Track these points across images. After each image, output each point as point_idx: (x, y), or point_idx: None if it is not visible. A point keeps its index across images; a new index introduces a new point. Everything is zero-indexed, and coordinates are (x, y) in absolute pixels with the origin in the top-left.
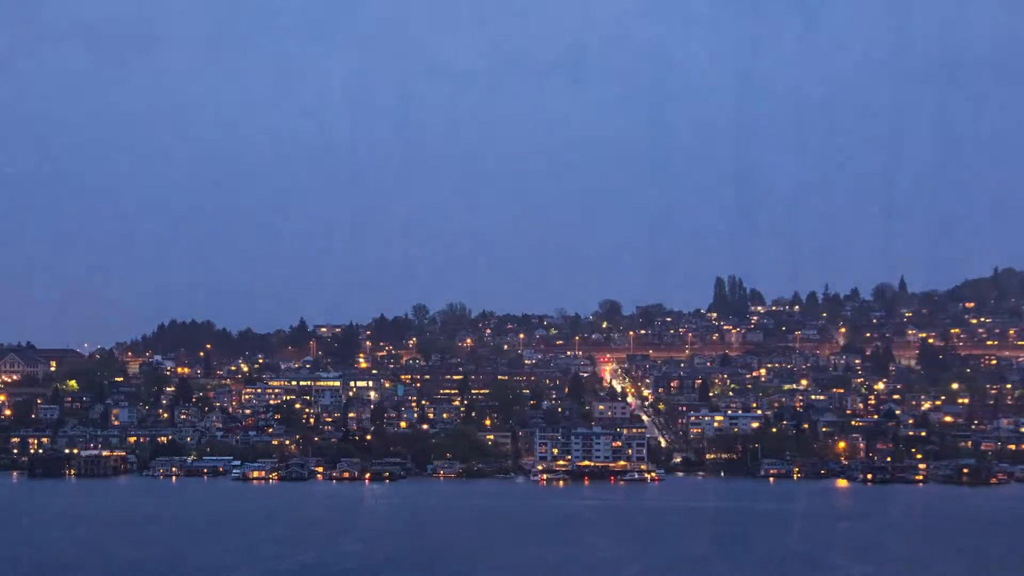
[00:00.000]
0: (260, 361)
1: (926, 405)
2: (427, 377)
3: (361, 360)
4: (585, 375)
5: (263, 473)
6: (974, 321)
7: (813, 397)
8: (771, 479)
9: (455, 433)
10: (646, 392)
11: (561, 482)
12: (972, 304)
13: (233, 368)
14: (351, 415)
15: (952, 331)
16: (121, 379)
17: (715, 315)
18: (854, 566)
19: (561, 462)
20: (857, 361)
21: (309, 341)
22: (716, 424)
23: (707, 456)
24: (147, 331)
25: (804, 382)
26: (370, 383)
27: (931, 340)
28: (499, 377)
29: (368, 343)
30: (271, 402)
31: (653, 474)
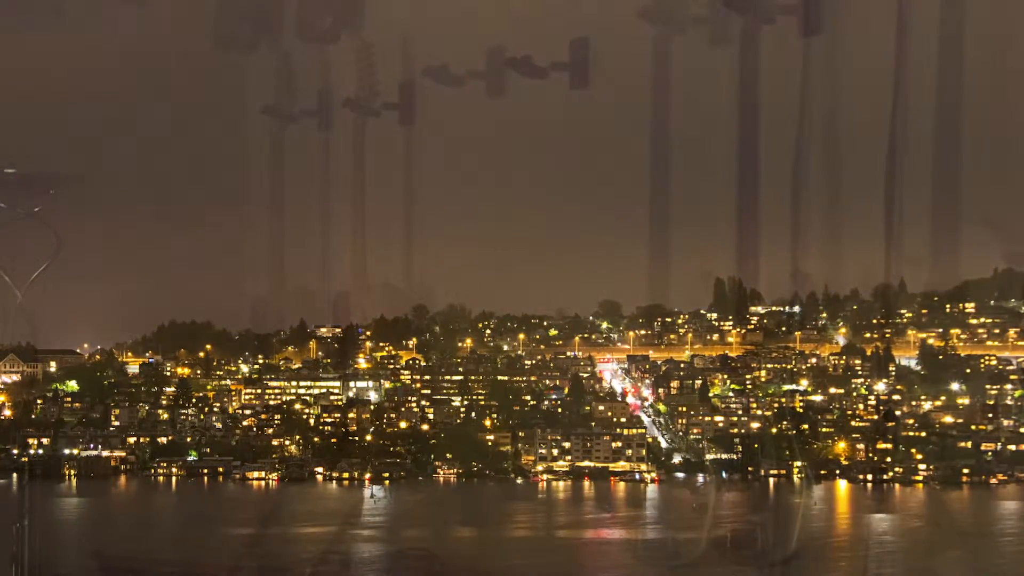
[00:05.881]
0: (260, 361)
1: (926, 405)
2: (427, 377)
3: (361, 360)
4: (585, 375)
5: (263, 474)
6: (974, 321)
7: (813, 397)
8: (771, 480)
9: (455, 433)
10: (646, 392)
11: (561, 483)
12: (972, 304)
13: (233, 368)
14: (351, 415)
15: (952, 331)
16: (121, 379)
17: (715, 315)
18: None
19: (561, 463)
20: (857, 361)
21: (309, 341)
22: (716, 424)
23: (707, 457)
24: (147, 331)
25: (804, 382)
26: (370, 383)
27: (931, 340)
28: (499, 377)
29: (368, 343)
30: (271, 403)
31: (653, 475)
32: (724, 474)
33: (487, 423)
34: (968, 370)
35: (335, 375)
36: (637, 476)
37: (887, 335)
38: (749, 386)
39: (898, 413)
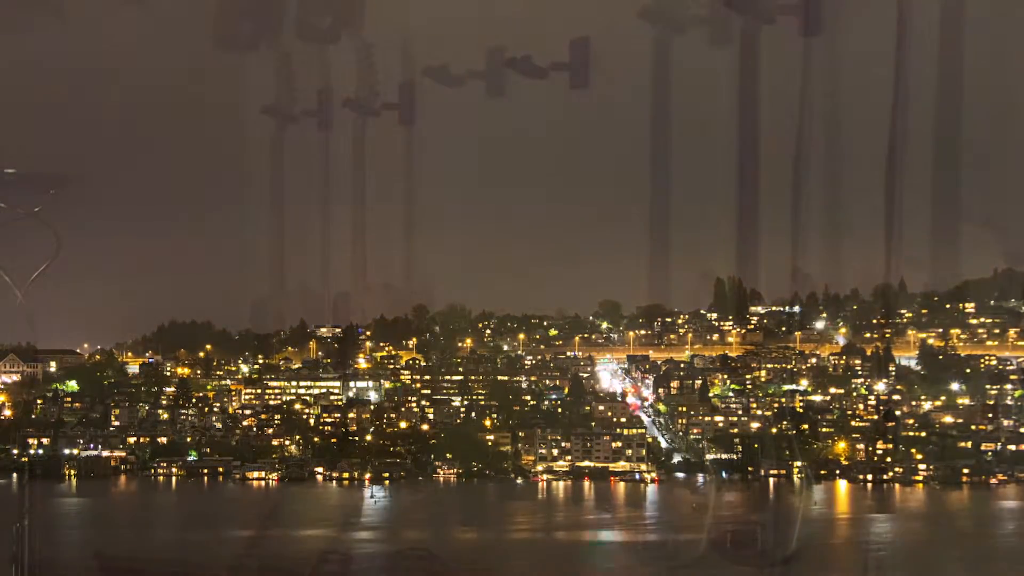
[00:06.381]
0: (260, 361)
1: (926, 405)
2: (427, 377)
3: (361, 360)
4: (585, 375)
5: (263, 474)
6: (974, 321)
7: (813, 397)
8: (771, 480)
9: (455, 433)
10: (646, 392)
11: (561, 483)
12: (972, 304)
13: (233, 368)
14: (351, 415)
15: (952, 331)
16: (121, 379)
17: (715, 315)
18: None
19: (561, 463)
20: (857, 361)
21: (309, 341)
22: (716, 424)
23: (707, 457)
24: (147, 331)
25: (804, 382)
26: (370, 383)
27: (931, 340)
28: (499, 377)
29: (368, 343)
30: (271, 403)
31: (653, 475)
32: (724, 474)
33: (487, 423)
34: (968, 370)
35: (335, 375)
36: (637, 476)
37: (887, 335)
38: (749, 386)
39: (898, 413)
